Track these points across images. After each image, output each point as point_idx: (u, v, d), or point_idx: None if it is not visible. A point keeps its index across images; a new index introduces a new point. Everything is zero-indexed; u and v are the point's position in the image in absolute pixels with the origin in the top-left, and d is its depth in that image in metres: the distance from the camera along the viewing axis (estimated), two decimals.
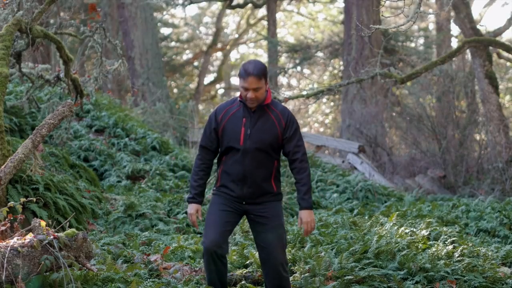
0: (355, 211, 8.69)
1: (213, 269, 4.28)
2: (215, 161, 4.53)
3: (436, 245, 5.69)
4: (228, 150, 4.33)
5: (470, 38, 12.54)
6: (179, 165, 10.96)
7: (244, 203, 4.33)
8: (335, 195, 10.44)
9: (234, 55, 34.67)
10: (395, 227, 6.32)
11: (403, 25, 5.75)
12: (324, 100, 25.29)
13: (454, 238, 6.03)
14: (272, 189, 4.35)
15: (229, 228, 4.35)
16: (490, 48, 13.33)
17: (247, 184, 4.29)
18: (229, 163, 4.32)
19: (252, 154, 4.26)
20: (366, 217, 7.75)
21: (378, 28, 5.75)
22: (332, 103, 26.10)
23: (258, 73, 4.19)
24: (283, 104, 4.85)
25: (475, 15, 21.10)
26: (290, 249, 5.84)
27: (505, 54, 13.94)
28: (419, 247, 5.70)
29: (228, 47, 31.79)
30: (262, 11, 28.97)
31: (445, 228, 6.59)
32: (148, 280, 4.99)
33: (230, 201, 4.34)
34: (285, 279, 4.36)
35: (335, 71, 25.00)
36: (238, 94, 4.43)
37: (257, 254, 5.15)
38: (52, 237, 4.10)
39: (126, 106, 16.03)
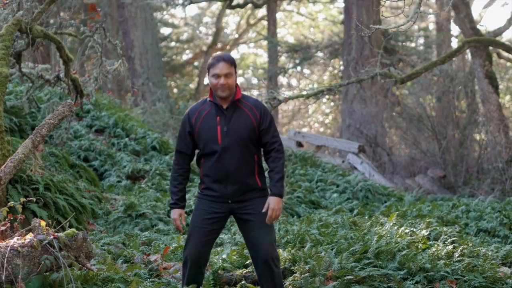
0: (355, 211, 8.69)
1: (191, 276, 4.32)
2: (193, 163, 4.56)
3: (436, 245, 5.68)
4: (207, 151, 4.31)
5: (470, 38, 12.55)
6: None
7: (230, 201, 4.30)
8: (335, 195, 10.44)
9: (234, 55, 34.65)
10: (395, 227, 6.32)
11: (403, 25, 5.75)
12: (324, 100, 25.31)
13: (454, 238, 6.03)
14: (257, 185, 4.33)
15: (213, 237, 4.35)
16: (490, 48, 13.34)
17: (231, 182, 4.27)
18: (209, 164, 4.30)
19: (232, 151, 4.25)
20: (366, 217, 7.75)
21: (378, 28, 5.75)
22: (332, 103, 26.12)
23: (229, 59, 4.28)
24: (283, 104, 4.86)
25: (475, 15, 21.09)
26: (290, 249, 5.84)
27: (505, 54, 13.95)
28: (419, 247, 5.70)
29: (228, 47, 31.80)
30: (262, 11, 28.98)
31: (445, 228, 6.58)
32: (148, 280, 4.99)
33: (215, 204, 4.31)
34: (277, 274, 4.35)
35: (335, 71, 25.01)
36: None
37: None
38: (52, 237, 4.10)
39: (126, 106, 16.04)
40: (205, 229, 4.29)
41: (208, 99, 4.37)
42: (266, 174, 4.45)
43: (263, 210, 4.24)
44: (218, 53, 4.32)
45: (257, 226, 4.29)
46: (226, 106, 4.30)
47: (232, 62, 4.28)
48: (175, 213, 4.35)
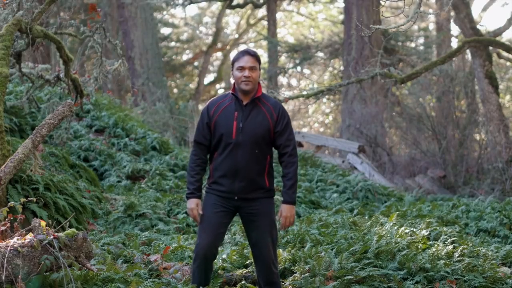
0: (355, 211, 8.69)
1: (202, 271, 4.35)
2: None
3: (436, 245, 5.68)
4: (220, 145, 4.33)
5: (470, 38, 12.55)
6: (179, 165, 10.96)
7: (236, 198, 4.32)
8: (335, 195, 10.44)
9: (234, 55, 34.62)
10: (395, 227, 6.32)
11: (403, 25, 5.75)
12: (324, 100, 25.31)
13: (454, 238, 6.03)
14: (265, 184, 4.35)
15: (223, 230, 4.38)
16: (490, 48, 13.33)
17: (239, 178, 4.29)
18: (221, 158, 4.33)
19: (245, 148, 4.27)
20: (366, 217, 7.75)
21: (378, 28, 5.75)
22: (332, 103, 26.11)
23: (254, 54, 4.33)
24: (282, 103, 4.88)
25: (475, 15, 21.10)
26: (290, 249, 5.84)
27: (505, 54, 13.94)
28: (419, 247, 5.70)
29: (228, 47, 31.79)
30: (262, 11, 28.98)
31: (445, 228, 6.58)
32: (148, 280, 4.99)
33: (222, 199, 4.34)
34: (275, 274, 4.42)
35: (335, 71, 25.00)
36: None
37: None
38: (52, 237, 4.10)
39: (126, 106, 16.03)
40: (215, 222, 4.32)
41: (230, 92, 4.40)
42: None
43: (277, 218, 4.29)
44: (244, 47, 4.34)
45: (260, 227, 4.34)
46: (246, 102, 4.33)
47: (257, 57, 4.33)
48: (192, 202, 4.35)
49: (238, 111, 4.31)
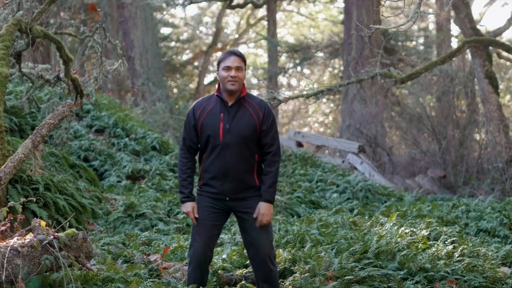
0: (355, 211, 8.69)
1: (198, 274, 4.33)
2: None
3: (436, 245, 5.68)
4: (208, 147, 4.33)
5: (470, 38, 12.54)
6: None
7: (227, 198, 4.32)
8: (335, 195, 10.44)
9: None
10: (395, 227, 6.32)
11: (403, 25, 5.74)
12: (324, 100, 25.31)
13: (454, 238, 6.03)
14: (255, 183, 4.34)
15: (217, 232, 4.38)
16: (490, 48, 13.33)
17: (229, 179, 4.29)
18: (210, 159, 4.32)
19: (232, 149, 4.27)
20: (366, 217, 7.75)
21: (378, 28, 5.75)
22: (332, 103, 26.12)
23: (241, 54, 4.33)
24: (283, 104, 4.88)
25: (475, 15, 21.07)
26: (290, 249, 5.84)
27: (505, 54, 13.93)
28: (419, 247, 5.70)
29: (228, 47, 31.76)
30: (262, 11, 28.97)
31: (445, 228, 6.58)
32: (148, 280, 4.99)
33: (214, 200, 4.34)
34: (273, 272, 4.40)
35: (335, 71, 25.00)
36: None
37: None
38: (52, 237, 4.10)
39: (126, 106, 16.03)
40: (209, 225, 4.32)
41: (215, 94, 4.39)
42: None
43: (254, 216, 4.28)
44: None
45: (254, 225, 4.32)
46: (231, 103, 4.32)
47: (243, 58, 4.34)
48: (188, 206, 4.35)
49: (224, 112, 4.30)
